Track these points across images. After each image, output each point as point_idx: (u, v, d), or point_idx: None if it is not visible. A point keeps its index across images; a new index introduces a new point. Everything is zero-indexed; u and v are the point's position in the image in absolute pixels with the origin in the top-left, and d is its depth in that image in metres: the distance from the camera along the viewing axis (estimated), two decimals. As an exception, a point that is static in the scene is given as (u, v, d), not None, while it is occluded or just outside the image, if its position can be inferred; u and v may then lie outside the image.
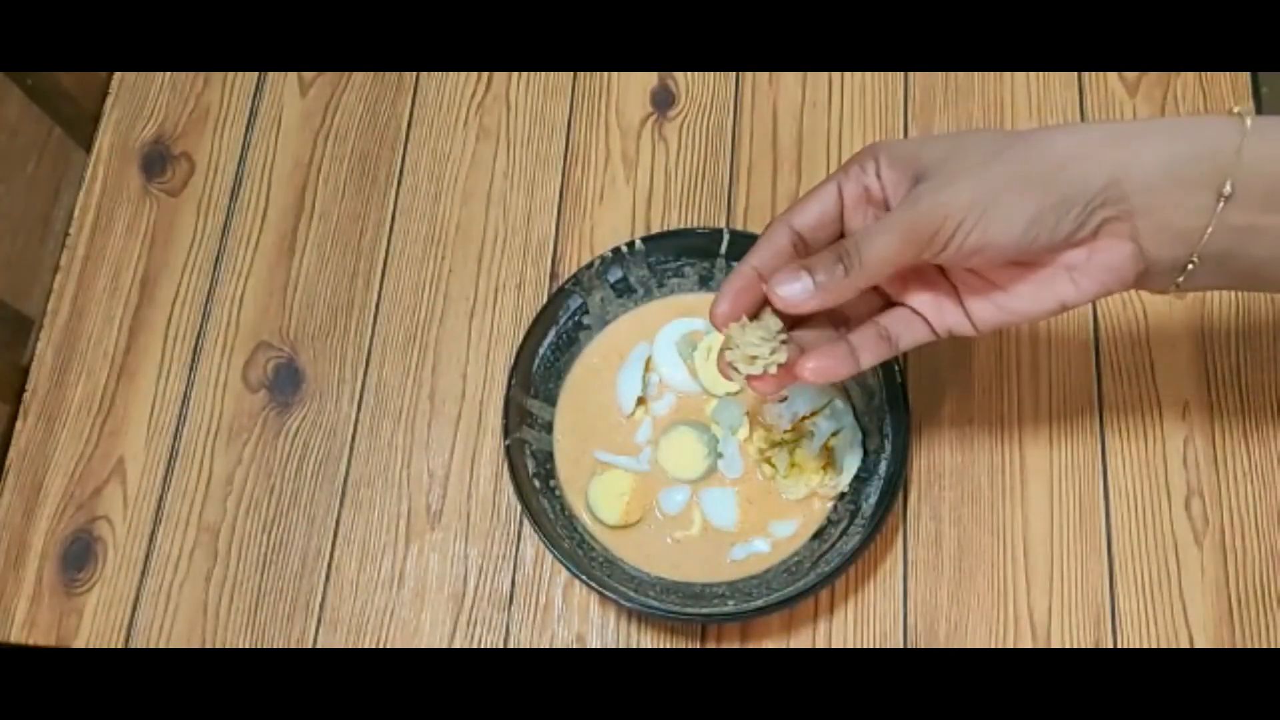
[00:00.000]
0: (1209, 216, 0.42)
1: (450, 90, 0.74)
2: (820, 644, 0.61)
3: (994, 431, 0.64)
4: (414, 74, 0.74)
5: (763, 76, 0.73)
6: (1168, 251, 0.43)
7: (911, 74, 0.73)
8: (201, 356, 0.68)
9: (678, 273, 0.65)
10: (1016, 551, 0.62)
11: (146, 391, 0.68)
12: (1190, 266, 0.44)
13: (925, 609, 0.61)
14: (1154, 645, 0.60)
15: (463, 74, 0.74)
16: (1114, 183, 0.42)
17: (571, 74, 0.74)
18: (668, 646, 0.61)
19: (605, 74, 0.74)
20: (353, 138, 0.73)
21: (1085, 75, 0.72)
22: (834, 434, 0.61)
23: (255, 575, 0.63)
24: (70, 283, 0.70)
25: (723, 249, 0.63)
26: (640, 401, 0.63)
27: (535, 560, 0.63)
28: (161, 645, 0.62)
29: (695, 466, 0.62)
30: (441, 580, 0.63)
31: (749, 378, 0.47)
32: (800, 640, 0.61)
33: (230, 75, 0.75)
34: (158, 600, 0.63)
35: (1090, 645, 0.60)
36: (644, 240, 0.63)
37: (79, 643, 0.63)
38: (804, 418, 0.62)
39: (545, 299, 0.66)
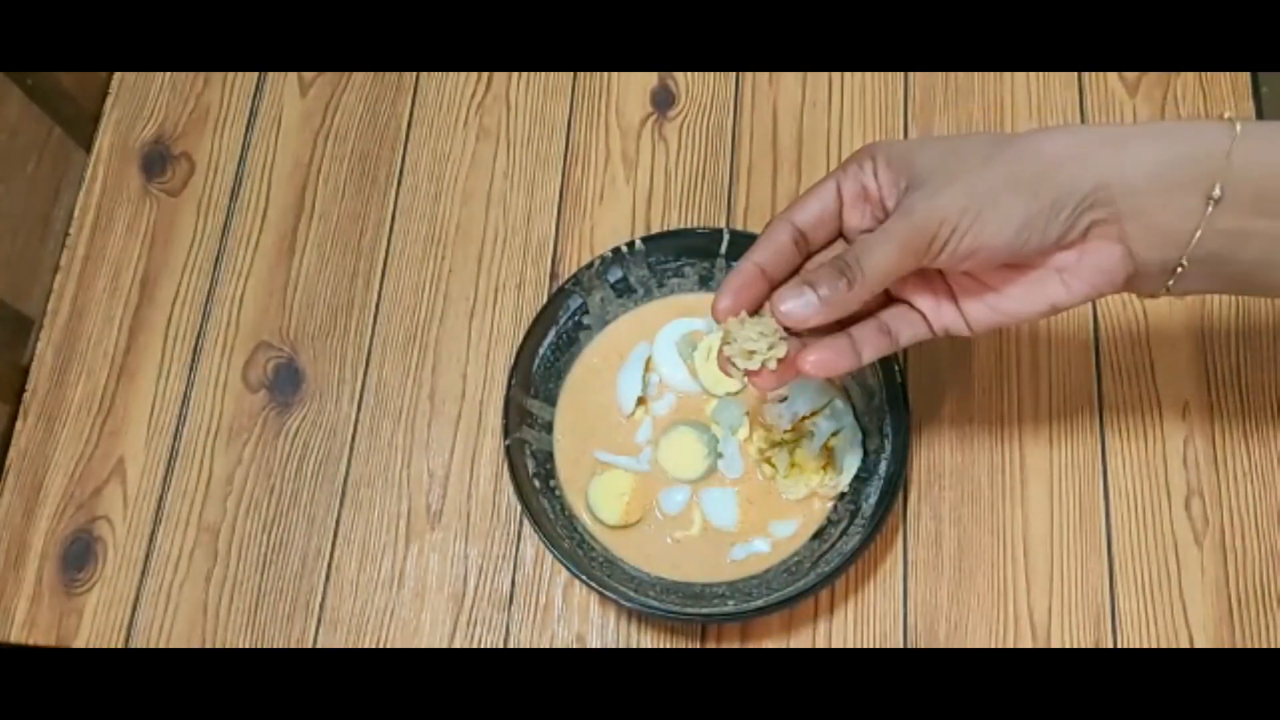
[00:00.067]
0: (1198, 220, 0.42)
1: (450, 90, 0.74)
2: (820, 644, 0.61)
3: (994, 431, 0.64)
4: (414, 74, 0.75)
5: (763, 76, 0.73)
6: (1157, 254, 0.44)
7: (911, 74, 0.73)
8: (201, 356, 0.68)
9: (678, 273, 0.65)
10: (1016, 551, 0.62)
11: (146, 391, 0.68)
12: (1180, 270, 0.44)
13: (925, 609, 0.61)
14: (1154, 645, 0.60)
15: (463, 74, 0.74)
16: (1103, 185, 0.43)
17: (571, 74, 0.74)
18: (668, 646, 0.61)
19: (605, 74, 0.74)
20: (353, 138, 0.73)
21: (1085, 75, 0.72)
22: (834, 434, 0.61)
23: (255, 575, 0.63)
24: (70, 283, 0.70)
25: (723, 249, 0.63)
26: (640, 401, 0.63)
27: (535, 560, 0.63)
28: (161, 645, 0.62)
29: (695, 466, 0.62)
30: (441, 580, 0.63)
31: (748, 373, 0.47)
32: (800, 640, 0.61)
33: (230, 75, 0.75)
34: (158, 600, 0.63)
35: (1090, 645, 0.60)
36: (644, 240, 0.63)
37: (79, 643, 0.63)
38: (804, 418, 0.62)
39: (545, 299, 0.66)
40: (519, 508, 0.61)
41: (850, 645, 0.61)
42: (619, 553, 0.61)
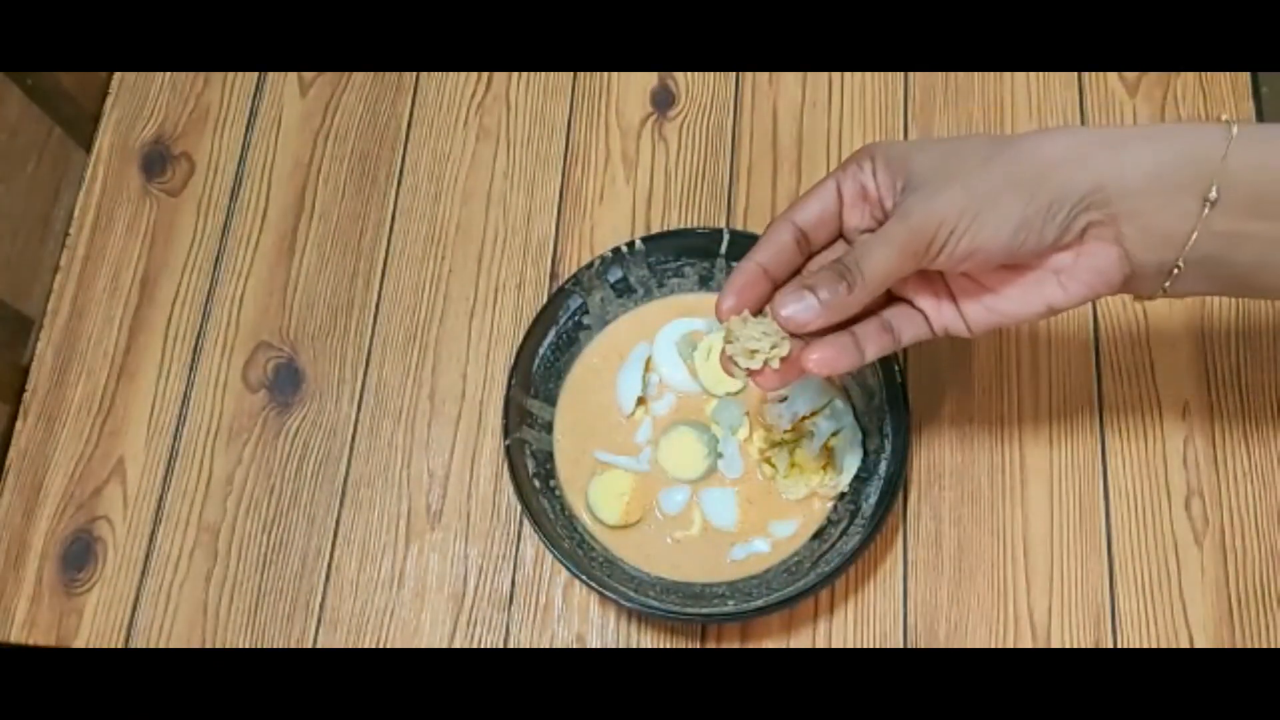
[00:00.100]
0: (1194, 221, 0.43)
1: (450, 90, 0.74)
2: (820, 644, 0.61)
3: (994, 431, 0.64)
4: (414, 74, 0.75)
5: (763, 76, 0.73)
6: (1153, 256, 0.44)
7: (911, 74, 0.73)
8: (201, 356, 0.68)
9: (678, 273, 0.65)
10: (1016, 551, 0.62)
11: (146, 391, 0.68)
12: (1176, 271, 0.44)
13: (925, 609, 0.61)
14: (1154, 645, 0.60)
15: (463, 74, 0.74)
16: (1099, 187, 0.43)
17: (571, 74, 0.74)
18: (668, 646, 0.61)
19: (605, 74, 0.74)
20: (353, 138, 0.73)
21: (1085, 75, 0.72)
22: (834, 434, 0.61)
23: (255, 575, 0.63)
24: (70, 283, 0.70)
25: (723, 249, 0.63)
26: (640, 401, 0.63)
27: (535, 560, 0.63)
28: (161, 645, 0.62)
29: (695, 466, 0.62)
30: (441, 580, 0.63)
31: (750, 373, 0.47)
32: (800, 640, 0.61)
33: (230, 75, 0.75)
34: (158, 600, 0.63)
35: (1090, 645, 0.60)
36: (644, 240, 0.63)
37: (79, 643, 0.63)
38: (804, 418, 0.62)
39: (545, 299, 0.66)
40: (519, 508, 0.61)
41: (850, 645, 0.61)
42: (619, 553, 0.61)
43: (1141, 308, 0.66)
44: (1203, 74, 0.72)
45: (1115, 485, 0.63)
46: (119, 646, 0.62)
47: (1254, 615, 0.60)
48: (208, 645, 0.62)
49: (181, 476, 0.66)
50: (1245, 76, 0.71)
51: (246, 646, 0.62)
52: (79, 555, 0.64)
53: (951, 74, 0.73)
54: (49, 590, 0.64)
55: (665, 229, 0.69)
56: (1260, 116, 0.71)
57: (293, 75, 0.75)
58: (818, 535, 0.60)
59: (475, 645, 0.62)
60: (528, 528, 0.63)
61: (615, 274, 0.64)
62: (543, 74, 0.74)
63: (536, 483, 0.61)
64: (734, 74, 0.73)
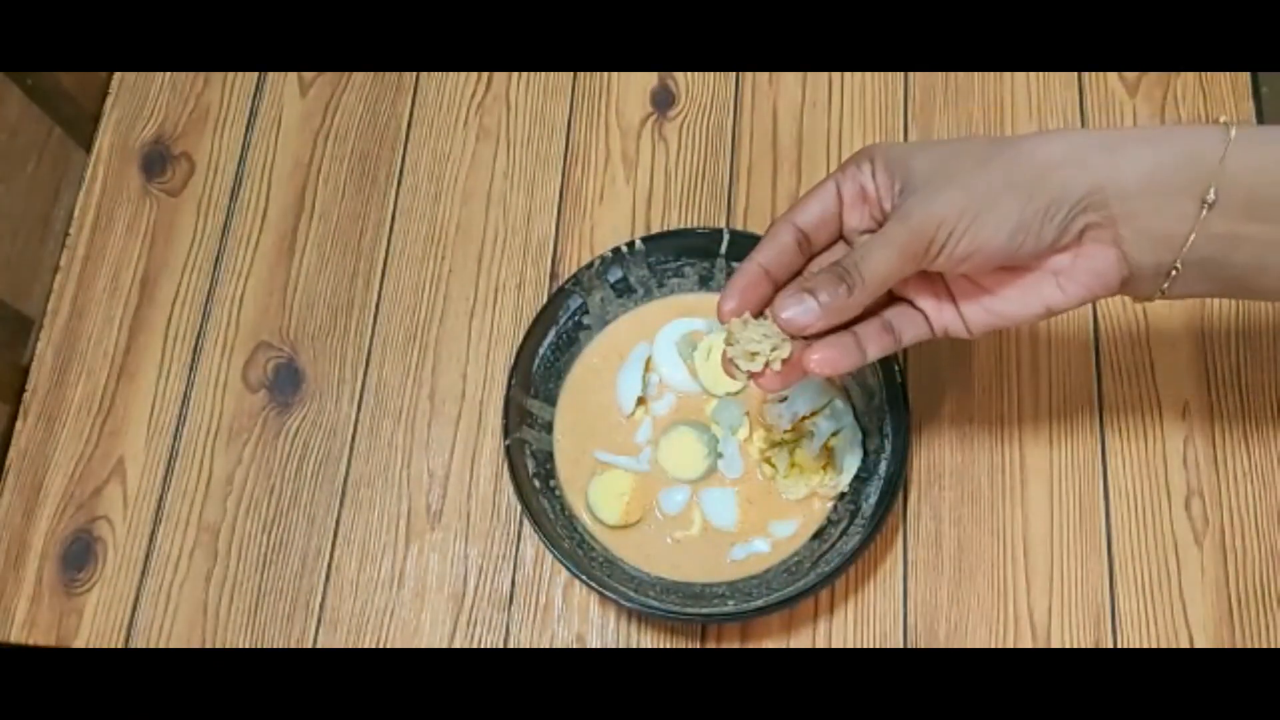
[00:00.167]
0: (1192, 223, 0.43)
1: (450, 90, 0.74)
2: (820, 644, 0.61)
3: (994, 431, 0.64)
4: (414, 74, 0.75)
5: (763, 76, 0.73)
6: (1150, 257, 0.44)
7: (911, 74, 0.73)
8: (201, 356, 0.68)
9: (678, 273, 0.65)
10: (1016, 551, 0.62)
11: (146, 391, 0.68)
12: (1174, 273, 0.44)
13: (925, 609, 0.61)
14: (1154, 645, 0.60)
15: (463, 74, 0.74)
16: (1097, 189, 0.43)
17: (571, 74, 0.74)
18: (668, 646, 0.61)
19: (605, 74, 0.74)
20: (353, 138, 0.73)
21: (1085, 75, 0.72)
22: (834, 434, 0.61)
23: (255, 575, 0.63)
24: (70, 283, 0.70)
25: (723, 249, 0.63)
26: (640, 401, 0.63)
27: (535, 560, 0.63)
28: (161, 645, 0.62)
29: (695, 466, 0.62)
30: (441, 580, 0.63)
31: (751, 375, 0.47)
32: (800, 640, 0.61)
33: (230, 75, 0.75)
34: (158, 600, 0.63)
35: (1090, 645, 0.60)
36: (644, 240, 0.63)
37: (79, 643, 0.63)
38: (804, 418, 0.62)
39: (545, 299, 0.66)
40: (519, 508, 0.61)
41: (850, 645, 0.61)
42: (619, 553, 0.61)
43: (1141, 308, 0.66)
44: (1203, 74, 0.72)
45: (1115, 485, 0.63)
46: (119, 646, 0.62)
47: (1254, 615, 0.60)
48: (208, 645, 0.62)
49: (181, 476, 0.66)
50: (1245, 76, 0.71)
51: (246, 646, 0.62)
52: (79, 555, 0.64)
53: (951, 74, 0.73)
54: (49, 590, 0.64)
55: (665, 229, 0.69)
56: (1260, 116, 0.71)
57: (293, 75, 0.75)
58: (818, 535, 0.60)
59: (475, 645, 0.62)
60: (528, 528, 0.63)
61: (615, 274, 0.64)
62: (543, 74, 0.74)
63: (536, 483, 0.61)
64: (734, 74, 0.73)
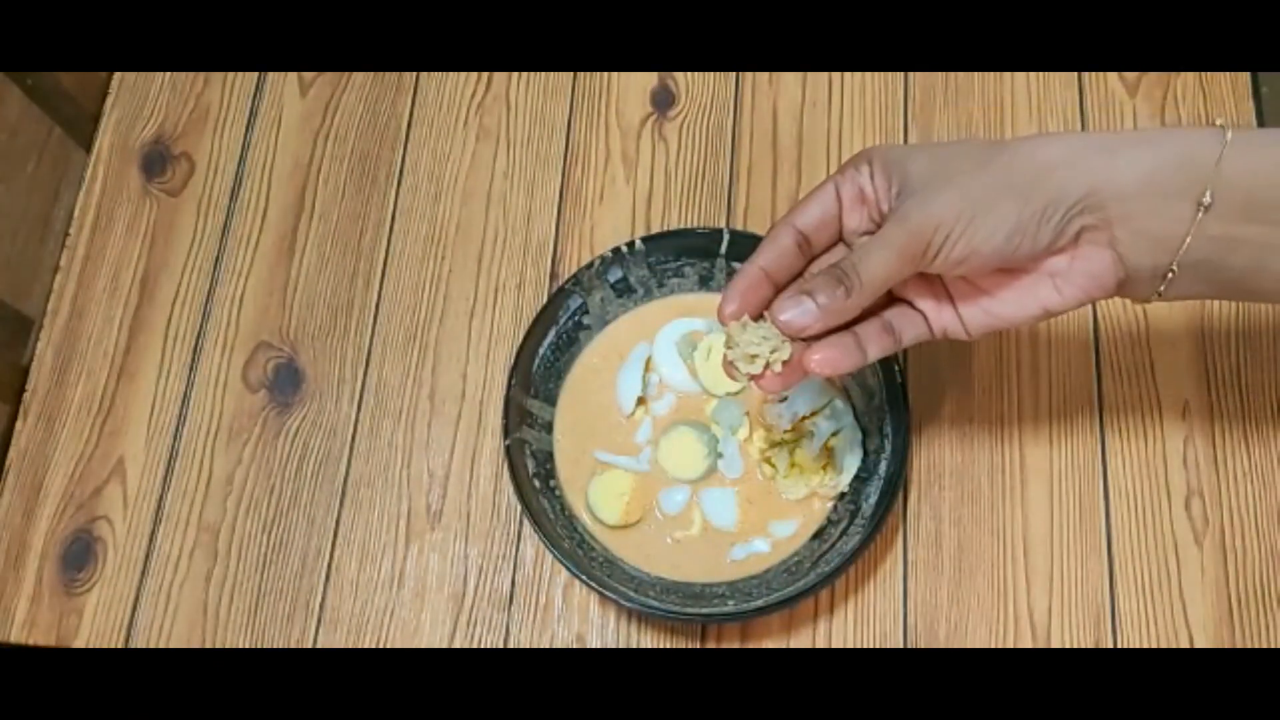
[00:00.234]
0: (1188, 226, 0.43)
1: (450, 90, 0.74)
2: (820, 644, 0.61)
3: (994, 431, 0.64)
4: (414, 74, 0.75)
5: (763, 76, 0.73)
6: (1147, 260, 0.44)
7: (911, 74, 0.73)
8: (201, 356, 0.68)
9: (678, 273, 0.65)
10: (1016, 551, 0.62)
11: (146, 391, 0.68)
12: (1170, 275, 0.44)
13: (925, 609, 0.61)
14: (1154, 645, 0.60)
15: (463, 74, 0.74)
16: (1093, 191, 0.43)
17: (571, 74, 0.74)
18: (668, 646, 0.61)
19: (605, 74, 0.74)
20: (353, 138, 0.73)
21: (1085, 75, 0.72)
22: (834, 434, 0.61)
23: (255, 575, 0.63)
24: (70, 283, 0.70)
25: (723, 249, 0.63)
26: (640, 401, 0.63)
27: (535, 560, 0.63)
28: (161, 645, 0.62)
29: (695, 466, 0.62)
30: (441, 580, 0.63)
31: (752, 376, 0.48)
32: (800, 640, 0.61)
33: (230, 75, 0.75)
34: (158, 600, 0.63)
35: (1090, 645, 0.60)
36: (644, 240, 0.63)
37: (79, 643, 0.63)
38: (804, 418, 0.62)
39: (545, 299, 0.66)
40: (519, 508, 0.61)
41: (850, 645, 0.61)
42: (619, 553, 0.61)
43: (1141, 308, 0.66)
44: (1203, 74, 0.72)
45: (1115, 485, 0.63)
46: (119, 646, 0.62)
47: (1254, 615, 0.60)
48: (208, 645, 0.62)
49: (181, 476, 0.66)
50: (1245, 76, 0.71)
51: (246, 646, 0.62)
52: (79, 555, 0.64)
53: (951, 74, 0.73)
54: (49, 590, 0.64)
55: (665, 229, 0.69)
56: (1260, 116, 0.71)
57: (293, 75, 0.75)
58: (818, 535, 0.60)
59: (475, 645, 0.62)
60: (528, 528, 0.63)
61: (615, 274, 0.64)
62: (543, 74, 0.74)
63: (536, 483, 0.61)
64: (734, 74, 0.73)
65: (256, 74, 0.75)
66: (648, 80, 0.74)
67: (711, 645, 0.61)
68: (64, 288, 0.70)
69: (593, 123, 0.73)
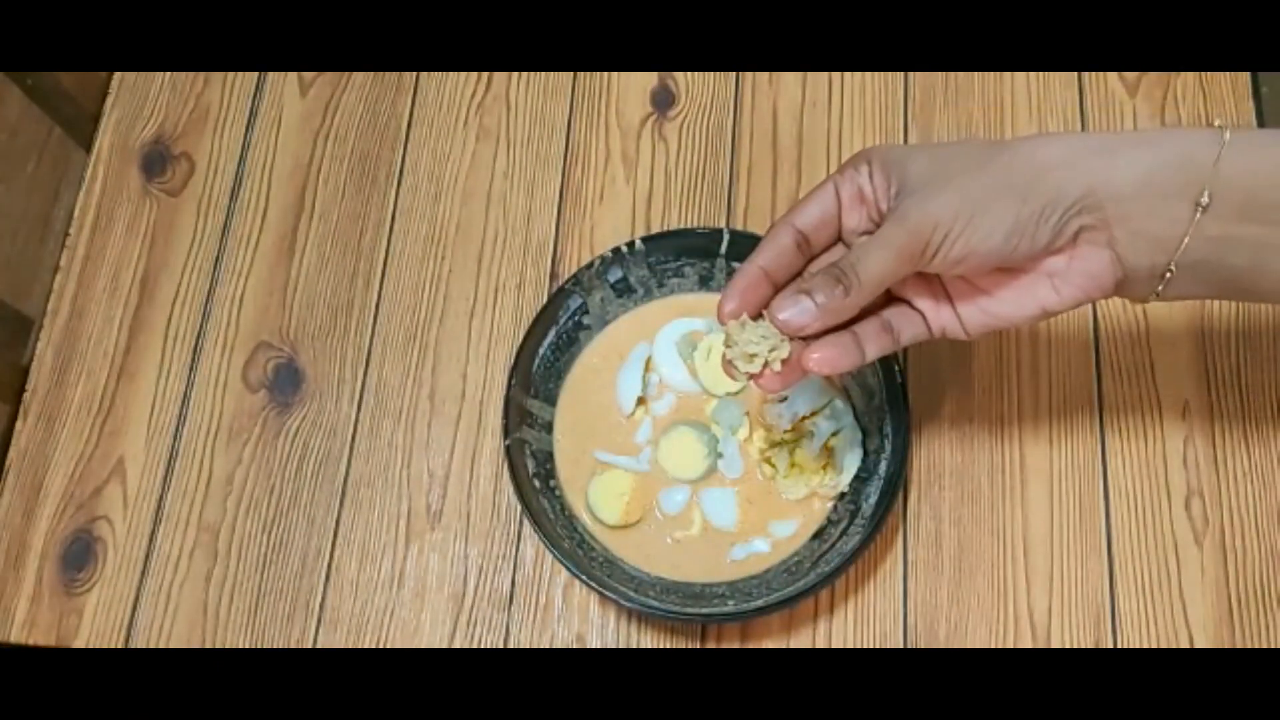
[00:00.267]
0: (1186, 226, 0.43)
1: (450, 90, 0.74)
2: (820, 644, 0.61)
3: (994, 431, 0.64)
4: (414, 74, 0.75)
5: (763, 76, 0.73)
6: (1145, 260, 0.44)
7: (911, 74, 0.73)
8: (201, 356, 0.68)
9: (678, 273, 0.65)
10: (1016, 551, 0.62)
11: (146, 391, 0.68)
12: (1168, 275, 0.44)
13: (925, 609, 0.61)
14: (1154, 645, 0.60)
15: (463, 74, 0.74)
16: (1091, 192, 0.43)
17: (571, 74, 0.74)
18: (668, 646, 0.61)
19: (605, 74, 0.74)
20: (353, 138, 0.73)
21: (1085, 75, 0.72)
22: (834, 434, 0.61)
23: (255, 575, 0.63)
24: (70, 283, 0.70)
25: (723, 249, 0.63)
26: (640, 401, 0.63)
27: (535, 560, 0.63)
28: (161, 645, 0.62)
29: (695, 466, 0.62)
30: (441, 580, 0.63)
31: (751, 376, 0.48)
32: (800, 640, 0.61)
33: (230, 75, 0.75)
34: (158, 600, 0.63)
35: (1090, 645, 0.60)
36: (644, 240, 0.63)
37: (79, 643, 0.63)
38: (804, 418, 0.62)
39: (545, 299, 0.66)
40: (519, 508, 0.61)
41: (850, 645, 0.61)
42: (619, 553, 0.61)
43: (1141, 308, 0.66)
44: (1203, 74, 0.72)
45: (1115, 485, 0.63)
46: (119, 646, 0.62)
47: (1254, 615, 0.60)
48: (208, 645, 0.62)
49: (181, 476, 0.66)
50: (1245, 76, 0.71)
51: (246, 646, 0.62)
52: (79, 555, 0.64)
53: (951, 74, 0.73)
54: (49, 590, 0.64)
55: (665, 229, 0.69)
56: (1260, 116, 0.71)
57: (293, 75, 0.75)
58: (818, 535, 0.60)
59: (475, 645, 0.62)
60: (528, 528, 0.63)
61: (615, 274, 0.64)
62: (543, 74, 0.74)
63: (536, 483, 0.61)
64: (734, 74, 0.73)
65: (256, 74, 0.75)
66: (648, 80, 0.74)
67: (711, 645, 0.61)
68: (64, 288, 0.70)
69: (593, 123, 0.73)
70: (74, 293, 0.70)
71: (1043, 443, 0.64)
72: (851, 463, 0.61)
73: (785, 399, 0.62)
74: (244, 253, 0.70)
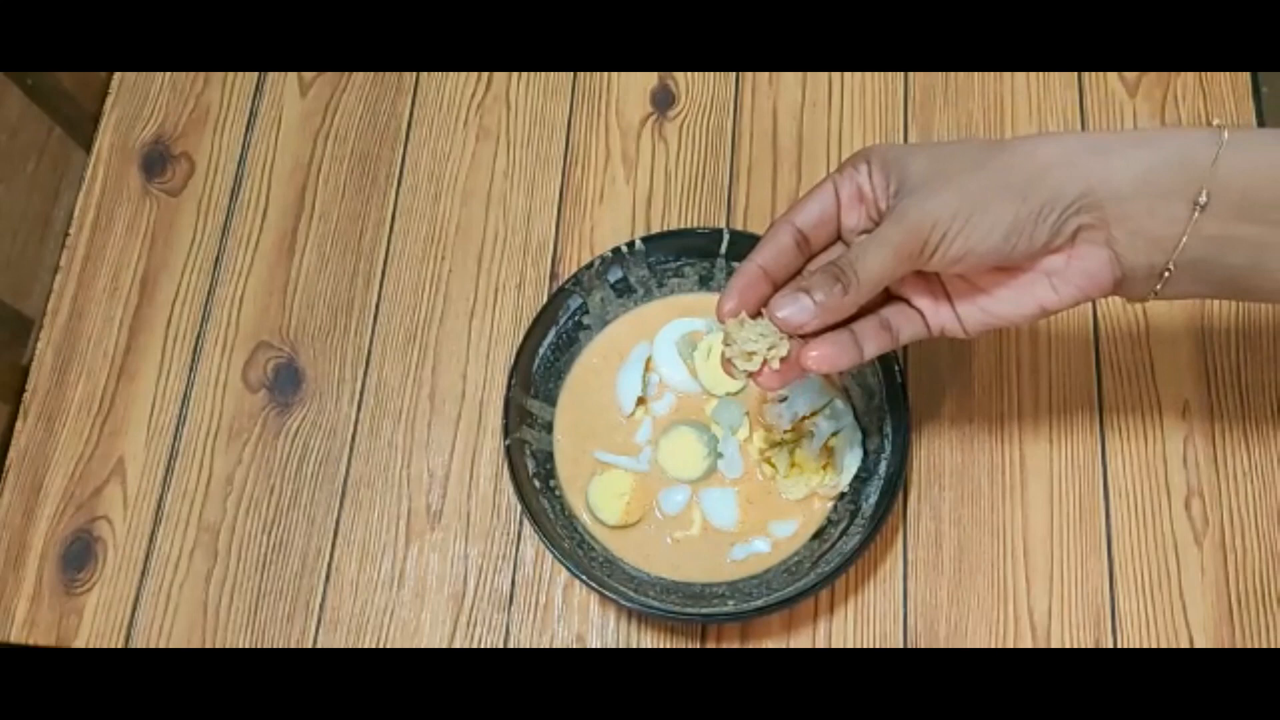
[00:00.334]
0: (1184, 225, 0.43)
1: (450, 90, 0.74)
2: (820, 644, 0.61)
3: (994, 431, 0.64)
4: (414, 74, 0.75)
5: (763, 76, 0.73)
6: (1143, 259, 0.44)
7: (911, 74, 0.73)
8: (201, 356, 0.68)
9: (678, 273, 0.65)
10: (1016, 551, 0.62)
11: (146, 391, 0.68)
12: (1167, 274, 0.44)
13: (925, 609, 0.61)
14: (1154, 645, 0.60)
15: (463, 74, 0.74)
16: (1090, 191, 0.43)
17: (571, 74, 0.74)
18: (668, 646, 0.61)
19: (605, 74, 0.74)
20: (353, 138, 0.73)
21: (1085, 75, 0.72)
22: (834, 434, 0.61)
23: (255, 575, 0.63)
24: (70, 283, 0.70)
25: (723, 249, 0.63)
26: (640, 401, 0.63)
27: (535, 560, 0.63)
28: (161, 645, 0.62)
29: (695, 466, 0.62)
30: (441, 580, 0.63)
31: (750, 374, 0.48)
32: (800, 640, 0.61)
33: (230, 75, 0.75)
34: (158, 600, 0.63)
35: (1090, 645, 0.60)
36: (644, 240, 0.63)
37: (79, 643, 0.63)
38: (804, 418, 0.62)
39: (545, 299, 0.66)
40: (519, 508, 0.61)
41: (850, 645, 0.61)
42: (619, 553, 0.61)
43: (1142, 307, 0.66)
44: (1203, 74, 0.72)
45: (1115, 485, 0.63)
46: (119, 646, 0.62)
47: (1254, 615, 0.60)
48: (208, 645, 0.62)
49: (181, 476, 0.66)
50: (1245, 76, 0.71)
51: (246, 646, 0.62)
52: (79, 555, 0.64)
53: (951, 74, 0.73)
54: (49, 590, 0.64)
55: (665, 229, 0.69)
56: (1260, 116, 0.71)
57: (293, 75, 0.75)
58: (818, 535, 0.60)
59: (475, 645, 0.62)
60: (528, 528, 0.63)
61: (615, 274, 0.64)
62: (543, 74, 0.74)
63: (536, 483, 0.61)
64: (734, 74, 0.73)
65: (256, 74, 0.75)
66: (648, 80, 0.74)
67: (711, 645, 0.61)
68: (64, 288, 0.70)
69: (593, 123, 0.73)
70: (74, 293, 0.70)
71: (1043, 442, 0.64)
72: (851, 463, 0.61)
73: (785, 399, 0.62)
74: (244, 253, 0.70)
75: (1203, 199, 0.42)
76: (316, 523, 0.64)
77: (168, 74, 0.75)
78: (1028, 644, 0.60)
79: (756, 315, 0.48)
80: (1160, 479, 0.63)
